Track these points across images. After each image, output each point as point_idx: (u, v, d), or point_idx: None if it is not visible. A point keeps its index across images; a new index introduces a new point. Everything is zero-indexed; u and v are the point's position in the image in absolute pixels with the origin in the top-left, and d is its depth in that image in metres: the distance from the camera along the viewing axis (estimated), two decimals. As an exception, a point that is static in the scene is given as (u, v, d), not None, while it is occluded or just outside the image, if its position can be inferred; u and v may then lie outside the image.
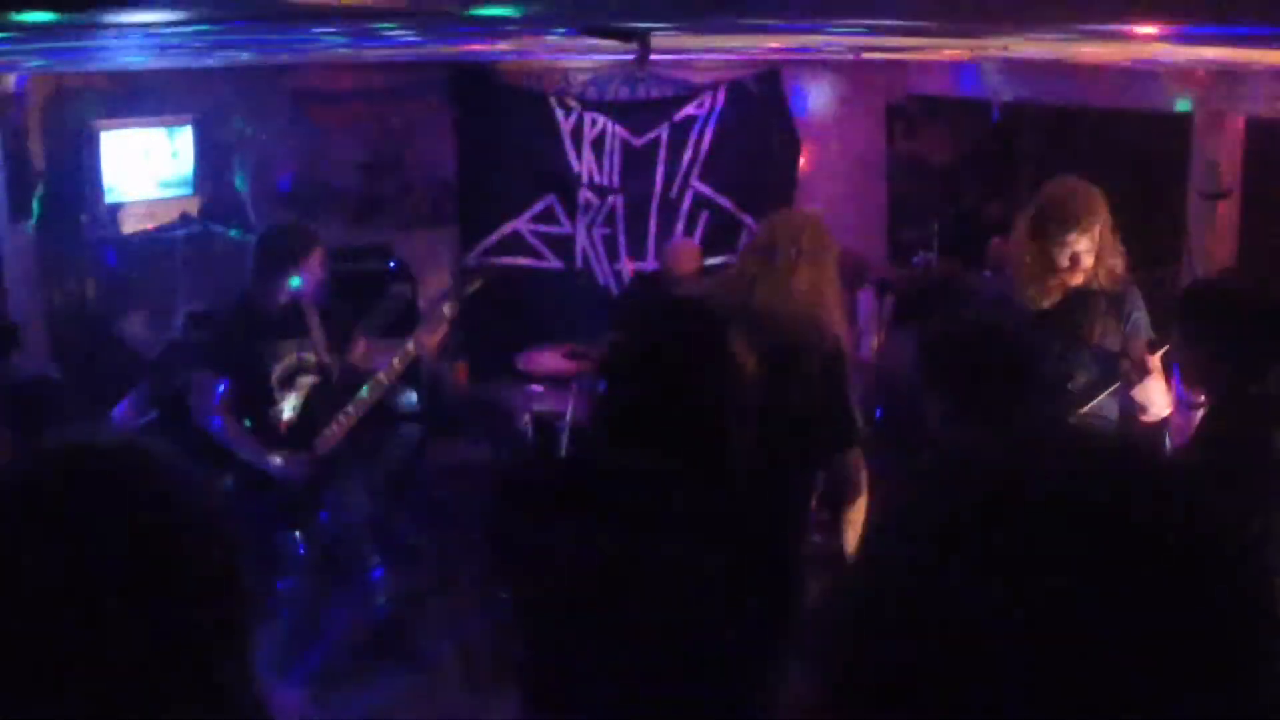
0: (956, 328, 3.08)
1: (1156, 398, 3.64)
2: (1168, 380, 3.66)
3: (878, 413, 6.47)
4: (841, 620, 0.86)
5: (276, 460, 4.48)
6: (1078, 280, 3.70)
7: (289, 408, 4.59)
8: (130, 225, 6.00)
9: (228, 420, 4.48)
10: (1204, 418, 2.88)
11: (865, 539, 0.91)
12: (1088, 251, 3.66)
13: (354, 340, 4.80)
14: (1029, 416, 2.83)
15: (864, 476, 3.67)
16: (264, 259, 4.53)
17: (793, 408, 3.47)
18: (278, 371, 4.55)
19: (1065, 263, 3.66)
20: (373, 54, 4.95)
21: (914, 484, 0.88)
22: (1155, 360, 3.53)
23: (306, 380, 4.61)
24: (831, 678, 0.84)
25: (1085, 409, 3.63)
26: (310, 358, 4.60)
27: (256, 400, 4.55)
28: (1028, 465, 0.83)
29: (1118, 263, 3.75)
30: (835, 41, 4.52)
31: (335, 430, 4.60)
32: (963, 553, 0.78)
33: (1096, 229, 3.66)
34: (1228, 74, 4.65)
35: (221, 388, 4.48)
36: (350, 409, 4.61)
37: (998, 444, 0.90)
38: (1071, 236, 3.63)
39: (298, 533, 4.74)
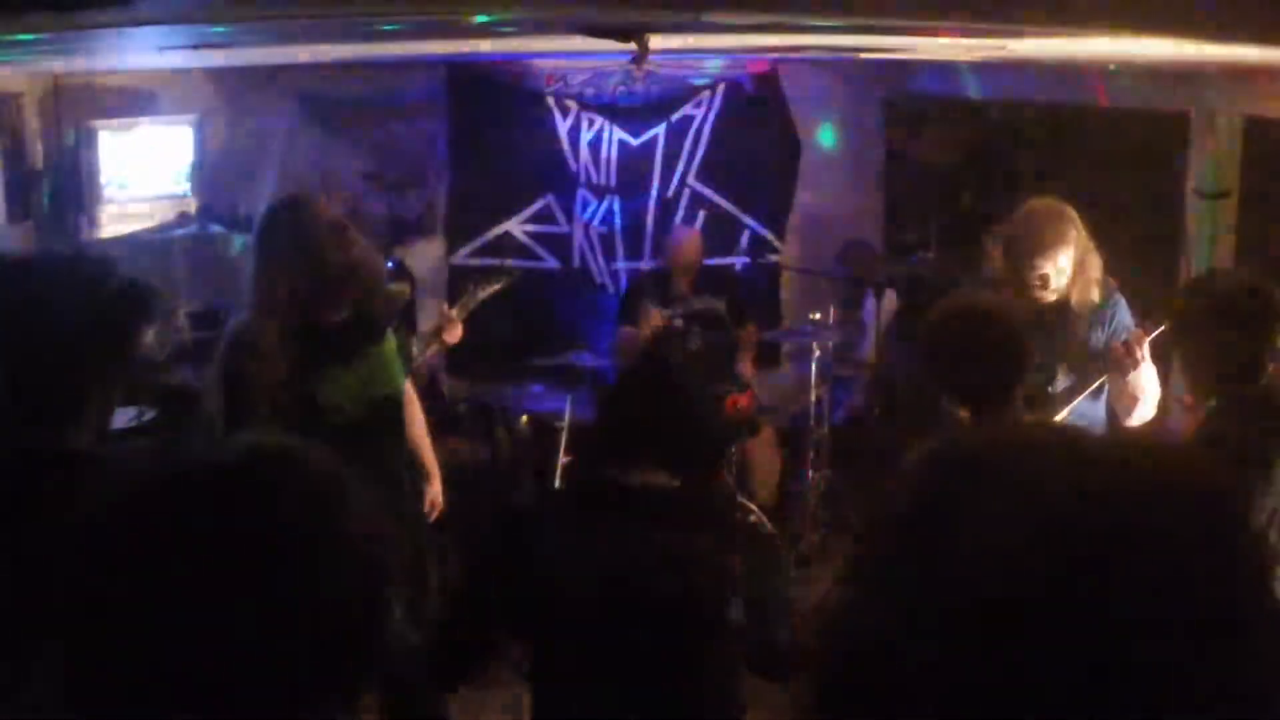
0: (960, 309, 3.08)
1: (1149, 386, 3.66)
2: (1162, 375, 3.68)
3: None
4: (835, 628, 0.86)
5: None
6: (1049, 299, 3.78)
7: None
8: (129, 225, 5.99)
9: None
10: (1204, 417, 2.89)
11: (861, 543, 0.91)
12: (1059, 273, 3.77)
13: None
14: (1021, 401, 2.85)
15: None
16: None
17: None
18: None
19: (1036, 282, 3.76)
20: (366, 50, 4.93)
21: (909, 479, 0.88)
22: (1146, 347, 3.55)
23: None
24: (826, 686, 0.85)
25: (1064, 411, 3.67)
26: None
27: None
28: (1014, 462, 0.83)
29: (1094, 289, 3.83)
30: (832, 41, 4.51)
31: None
32: (960, 549, 0.79)
33: (1068, 252, 3.77)
34: (1227, 73, 4.65)
35: None
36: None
37: (981, 441, 0.90)
38: (1039, 261, 3.75)
39: None
